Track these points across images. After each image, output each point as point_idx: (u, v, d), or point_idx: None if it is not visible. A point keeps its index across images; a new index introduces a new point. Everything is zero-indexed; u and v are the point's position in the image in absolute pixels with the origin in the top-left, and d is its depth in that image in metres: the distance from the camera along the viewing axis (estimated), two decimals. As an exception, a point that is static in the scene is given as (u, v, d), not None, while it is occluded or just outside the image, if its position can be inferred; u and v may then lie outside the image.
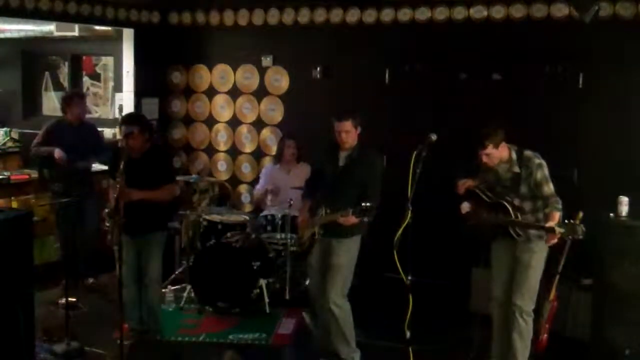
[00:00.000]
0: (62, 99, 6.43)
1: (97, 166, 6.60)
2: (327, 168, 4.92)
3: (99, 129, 6.93)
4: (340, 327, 4.79)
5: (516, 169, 4.40)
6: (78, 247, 6.16)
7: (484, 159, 4.40)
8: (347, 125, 4.74)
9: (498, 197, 4.44)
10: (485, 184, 4.55)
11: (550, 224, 4.17)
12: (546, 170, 4.36)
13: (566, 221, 4.10)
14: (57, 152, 5.99)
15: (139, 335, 5.15)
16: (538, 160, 4.38)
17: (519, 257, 4.46)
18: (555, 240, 4.23)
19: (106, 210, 4.99)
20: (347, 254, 4.80)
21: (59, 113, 6.49)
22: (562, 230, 4.07)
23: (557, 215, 4.25)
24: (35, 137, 6.37)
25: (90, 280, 6.43)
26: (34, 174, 6.51)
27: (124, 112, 7.50)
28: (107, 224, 4.95)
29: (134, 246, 5.04)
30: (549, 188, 4.36)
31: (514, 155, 4.42)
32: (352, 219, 4.56)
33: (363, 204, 4.42)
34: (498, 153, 4.38)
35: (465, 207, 4.60)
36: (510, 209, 4.36)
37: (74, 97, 6.27)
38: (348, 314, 4.82)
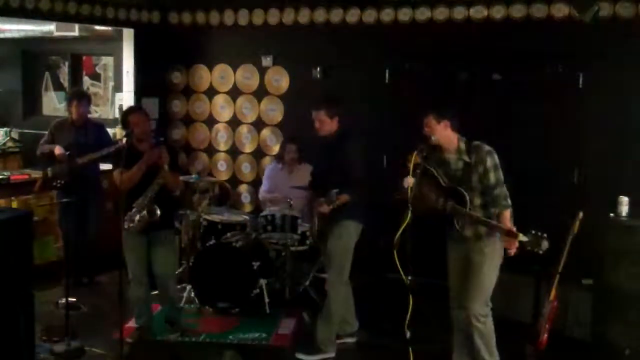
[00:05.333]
0: (69, 97, 6.43)
1: (104, 166, 6.58)
2: (318, 158, 5.05)
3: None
4: (329, 308, 4.90)
5: (466, 158, 4.22)
6: (80, 247, 6.16)
7: (425, 128, 4.24)
8: (320, 114, 4.88)
9: (454, 184, 4.24)
10: (441, 168, 4.33)
11: (511, 227, 3.96)
12: (496, 158, 4.17)
13: (532, 232, 3.83)
14: (57, 149, 6.01)
15: (144, 335, 5.15)
16: (488, 147, 4.20)
17: (470, 257, 4.27)
18: (515, 249, 3.98)
19: (139, 201, 4.90)
20: (337, 239, 4.90)
21: (59, 113, 6.50)
22: (525, 239, 3.84)
23: (508, 214, 4.08)
24: (37, 137, 6.39)
25: (85, 280, 6.43)
26: (34, 174, 6.51)
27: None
28: (139, 216, 4.89)
29: (146, 243, 5.08)
30: (496, 177, 4.14)
31: (462, 145, 4.26)
32: (325, 208, 4.75)
33: (333, 192, 4.66)
34: (439, 129, 4.22)
35: (409, 182, 4.20)
36: (466, 198, 4.13)
37: (80, 97, 6.28)
38: (342, 298, 4.92)
